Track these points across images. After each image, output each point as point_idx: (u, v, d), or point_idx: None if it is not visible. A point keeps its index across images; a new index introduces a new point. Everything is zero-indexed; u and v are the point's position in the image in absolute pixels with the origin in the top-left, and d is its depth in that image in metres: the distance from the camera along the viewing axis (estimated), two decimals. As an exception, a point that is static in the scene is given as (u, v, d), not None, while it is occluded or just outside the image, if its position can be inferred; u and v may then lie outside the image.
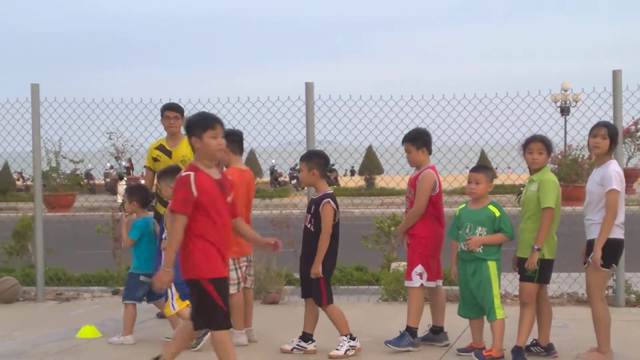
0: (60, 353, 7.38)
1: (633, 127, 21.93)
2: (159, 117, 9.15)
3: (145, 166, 8.98)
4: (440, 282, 7.21)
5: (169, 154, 8.60)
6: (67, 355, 7.31)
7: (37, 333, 8.18)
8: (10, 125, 10.77)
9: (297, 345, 7.00)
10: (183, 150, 8.34)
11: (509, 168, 10.30)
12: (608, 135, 6.34)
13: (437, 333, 7.16)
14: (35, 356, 7.29)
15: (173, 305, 7.22)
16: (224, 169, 7.37)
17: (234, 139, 7.39)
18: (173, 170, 7.37)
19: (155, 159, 8.74)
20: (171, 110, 8.69)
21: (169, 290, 7.05)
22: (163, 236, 7.31)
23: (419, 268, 6.88)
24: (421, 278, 6.88)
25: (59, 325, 8.54)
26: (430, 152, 7.20)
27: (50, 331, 8.26)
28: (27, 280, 10.53)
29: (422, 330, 7.20)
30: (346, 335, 6.91)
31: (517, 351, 6.31)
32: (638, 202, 22.60)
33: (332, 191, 7.13)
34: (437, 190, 6.96)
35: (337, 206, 7.03)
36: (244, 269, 7.45)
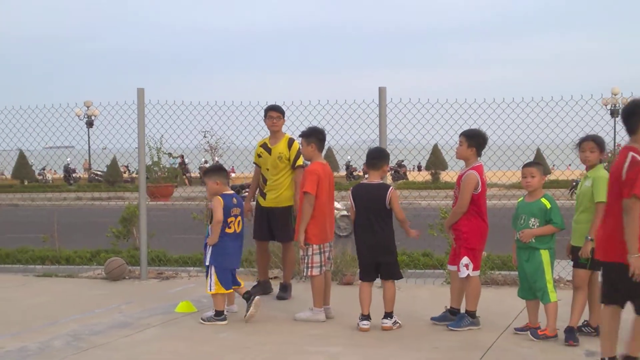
0: (161, 325, 7.64)
1: None
2: (249, 118, 9.53)
3: (253, 162, 9.20)
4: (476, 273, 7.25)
5: (269, 151, 8.78)
6: (167, 327, 7.58)
7: (141, 307, 8.46)
8: (119, 124, 11.11)
9: (396, 321, 7.25)
10: (280, 147, 8.62)
11: (569, 165, 10.27)
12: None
13: (454, 314, 7.31)
14: (139, 327, 7.53)
15: (211, 286, 7.59)
16: (308, 163, 7.78)
17: (320, 137, 7.80)
18: (216, 169, 8.02)
19: (259, 156, 8.98)
20: (274, 110, 8.90)
21: (211, 267, 7.53)
22: (209, 227, 7.74)
23: (465, 260, 7.05)
24: (467, 269, 7.04)
25: (159, 301, 8.78)
26: (479, 154, 7.34)
27: (152, 306, 8.53)
28: (132, 260, 10.88)
29: (439, 310, 7.46)
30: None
31: (569, 331, 6.42)
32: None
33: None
34: (480, 190, 7.11)
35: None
36: (326, 254, 7.70)
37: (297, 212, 7.97)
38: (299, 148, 8.31)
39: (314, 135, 7.77)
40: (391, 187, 7.39)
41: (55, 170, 43.99)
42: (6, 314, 8.40)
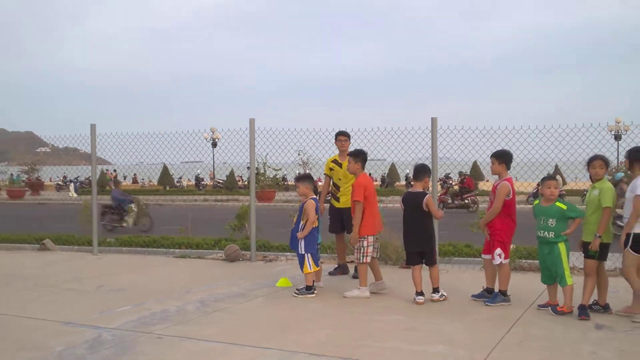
0: (266, 295, 7.75)
1: None
2: (324, 140, 9.63)
3: (324, 174, 9.16)
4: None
5: (339, 165, 8.78)
6: (270, 297, 7.68)
7: (251, 282, 8.56)
8: (236, 145, 11.15)
9: (442, 294, 7.33)
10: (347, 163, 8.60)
11: (577, 178, 10.23)
12: (627, 157, 6.59)
13: (490, 292, 7.24)
14: (250, 296, 7.66)
15: (310, 266, 7.65)
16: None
17: (364, 157, 7.85)
18: (307, 176, 8.14)
19: (331, 169, 8.94)
20: (343, 135, 8.93)
21: (306, 256, 7.64)
22: (301, 224, 7.76)
23: (498, 250, 7.05)
24: (500, 257, 7.05)
25: (264, 277, 8.85)
26: (508, 168, 7.27)
27: (259, 281, 8.62)
28: (244, 246, 10.94)
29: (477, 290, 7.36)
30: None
31: (582, 308, 6.39)
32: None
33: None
34: (511, 196, 7.08)
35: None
36: (376, 244, 7.76)
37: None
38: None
39: (360, 156, 7.82)
40: (427, 195, 7.36)
41: (189, 179, 44.98)
42: (153, 285, 8.65)
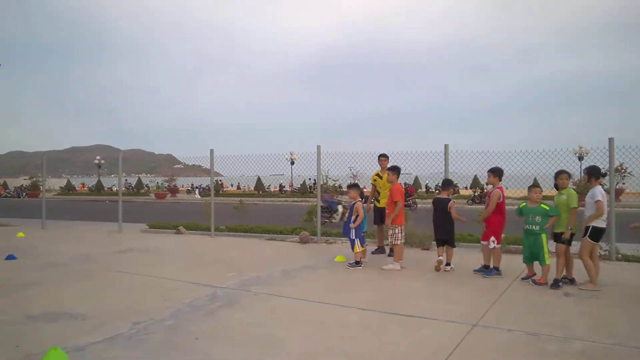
0: (327, 267, 7.72)
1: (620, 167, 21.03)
2: (369, 160, 9.62)
3: (371, 183, 9.13)
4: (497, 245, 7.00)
5: (380, 177, 8.79)
6: (331, 268, 7.63)
7: (317, 258, 8.55)
8: (308, 163, 11.04)
9: (452, 267, 7.30)
10: (386, 176, 8.53)
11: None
12: (587, 173, 6.36)
13: (487, 268, 7.03)
14: (317, 268, 7.66)
15: (358, 247, 7.69)
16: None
17: (399, 171, 7.89)
18: (356, 185, 8.11)
19: (374, 180, 8.97)
20: (383, 156, 8.92)
21: (355, 239, 7.68)
22: (352, 219, 7.77)
23: (492, 238, 6.98)
24: (494, 243, 6.96)
25: (326, 255, 8.83)
26: (500, 180, 7.14)
27: (323, 257, 8.60)
28: (312, 233, 10.88)
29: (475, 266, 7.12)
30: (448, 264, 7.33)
31: (555, 281, 6.24)
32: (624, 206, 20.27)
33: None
34: (501, 199, 6.99)
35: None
36: (403, 232, 7.70)
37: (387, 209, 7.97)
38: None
39: (396, 170, 7.87)
40: (451, 200, 7.35)
41: (275, 186, 45.61)
42: (250, 258, 8.77)
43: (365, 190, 10.80)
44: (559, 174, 6.51)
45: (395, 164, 8.40)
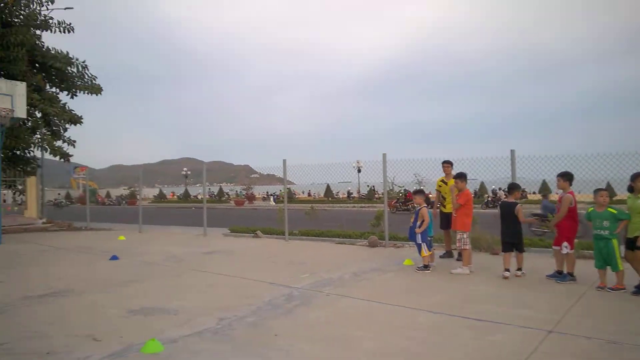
0: (396, 270, 7.55)
1: None
2: (433, 166, 9.34)
3: (436, 189, 8.95)
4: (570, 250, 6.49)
5: (445, 183, 8.58)
6: (399, 272, 7.46)
7: (385, 261, 8.40)
8: (374, 171, 10.87)
9: (523, 272, 6.85)
10: (451, 182, 8.20)
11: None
12: None
13: (560, 273, 6.57)
14: (385, 271, 7.46)
15: (425, 251, 7.43)
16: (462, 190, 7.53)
17: (465, 177, 7.60)
18: (421, 191, 7.89)
19: (439, 186, 8.76)
20: (447, 163, 8.71)
21: (422, 244, 7.42)
22: (417, 224, 7.54)
23: (565, 243, 6.50)
24: (567, 248, 6.48)
25: (395, 258, 8.67)
26: (571, 185, 6.68)
27: (391, 261, 8.46)
28: (380, 237, 10.72)
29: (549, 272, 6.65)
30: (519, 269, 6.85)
31: (637, 287, 5.67)
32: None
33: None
34: (573, 204, 6.50)
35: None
36: (469, 238, 7.41)
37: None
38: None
39: (463, 177, 7.57)
40: (518, 204, 6.93)
41: (343, 193, 45.60)
42: (322, 261, 8.75)
43: (430, 195, 10.54)
44: (636, 176, 5.95)
45: (461, 170, 8.10)
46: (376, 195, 38.80)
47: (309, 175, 12.93)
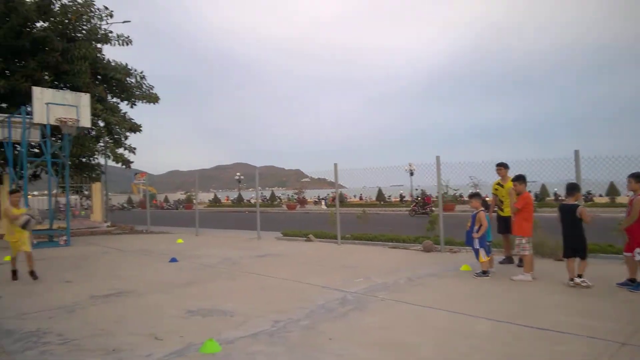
0: (452, 276, 7.39)
1: None
2: (489, 169, 9.06)
3: (492, 193, 8.69)
4: None
5: (502, 186, 8.33)
6: (456, 277, 7.29)
7: (441, 266, 8.25)
8: (427, 175, 10.77)
9: (584, 280, 6.31)
10: (508, 185, 8.03)
11: None
12: None
13: (632, 282, 6.14)
14: (442, 276, 7.34)
15: (484, 256, 7.20)
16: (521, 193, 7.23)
17: (525, 180, 7.30)
18: (478, 194, 7.66)
19: (496, 189, 8.51)
20: (500, 165, 8.43)
21: (480, 249, 7.19)
22: (475, 228, 7.32)
23: (638, 249, 6.06)
24: (639, 255, 6.06)
25: (451, 264, 8.50)
26: None
27: (447, 266, 8.28)
28: (435, 241, 10.50)
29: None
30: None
31: None
32: None
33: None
34: None
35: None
36: (531, 243, 7.08)
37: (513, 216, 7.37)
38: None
39: (523, 179, 7.26)
40: (579, 206, 6.52)
41: (395, 196, 45.12)
42: (375, 265, 8.69)
43: (487, 199, 10.22)
44: None
45: (520, 172, 7.78)
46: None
47: (360, 179, 12.96)
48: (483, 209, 7.52)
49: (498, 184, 8.51)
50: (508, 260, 8.44)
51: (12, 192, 8.02)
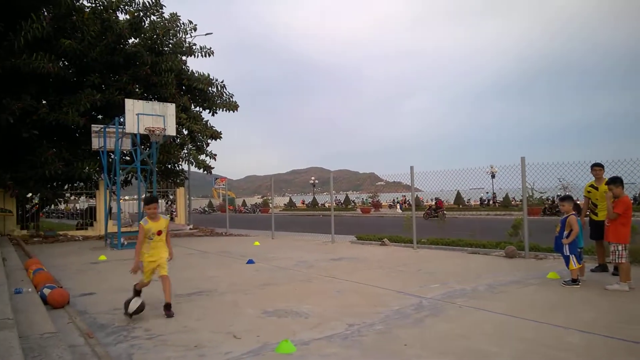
0: (538, 284, 7.00)
1: None
2: (581, 170, 8.50)
3: (584, 195, 8.16)
4: None
5: (596, 189, 7.83)
6: (542, 285, 6.89)
7: (525, 273, 7.87)
8: (510, 177, 10.34)
9: None
10: (603, 187, 7.42)
11: None
12: None
13: None
14: (525, 284, 6.98)
15: (574, 264, 6.75)
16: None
17: (622, 182, 6.72)
18: (569, 197, 7.17)
19: (589, 192, 7.99)
20: (598, 166, 7.90)
21: (571, 256, 6.75)
22: (565, 233, 6.89)
23: None
24: None
25: (536, 271, 8.07)
26: None
27: (532, 273, 7.88)
28: (519, 247, 10.08)
29: None
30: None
31: None
32: None
33: None
34: None
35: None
36: (627, 250, 6.54)
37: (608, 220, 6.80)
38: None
39: (618, 181, 6.66)
40: None
41: (475, 200, 43.52)
42: (453, 270, 8.44)
43: (578, 202, 9.58)
44: None
45: (615, 174, 7.20)
46: (512, 202, 36.42)
47: (437, 182, 12.67)
48: (574, 212, 7.05)
49: (591, 185, 8.00)
50: (601, 268, 7.85)
51: (147, 202, 5.82)
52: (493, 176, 37.95)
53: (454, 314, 5.45)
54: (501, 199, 37.87)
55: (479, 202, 41.82)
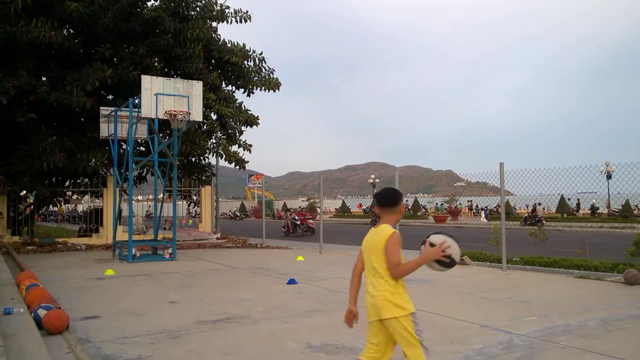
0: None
1: None
2: None
3: None
4: None
5: None
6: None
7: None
8: (632, 176, 10.13)
9: None
10: None
11: None
12: None
13: None
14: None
15: None
16: None
17: None
18: None
19: None
20: None
21: None
22: None
23: None
24: None
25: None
26: None
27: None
28: (645, 272, 9.71)
29: None
30: None
31: None
32: None
33: None
34: None
35: None
36: None
37: None
38: None
39: None
40: None
41: (584, 208, 42.06)
42: (554, 300, 8.21)
43: None
44: None
45: None
46: (635, 211, 34.97)
47: (534, 184, 12.41)
48: None
49: None
50: None
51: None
52: (609, 177, 36.49)
53: (556, 356, 5.31)
54: (619, 207, 36.40)
55: (589, 211, 40.37)
